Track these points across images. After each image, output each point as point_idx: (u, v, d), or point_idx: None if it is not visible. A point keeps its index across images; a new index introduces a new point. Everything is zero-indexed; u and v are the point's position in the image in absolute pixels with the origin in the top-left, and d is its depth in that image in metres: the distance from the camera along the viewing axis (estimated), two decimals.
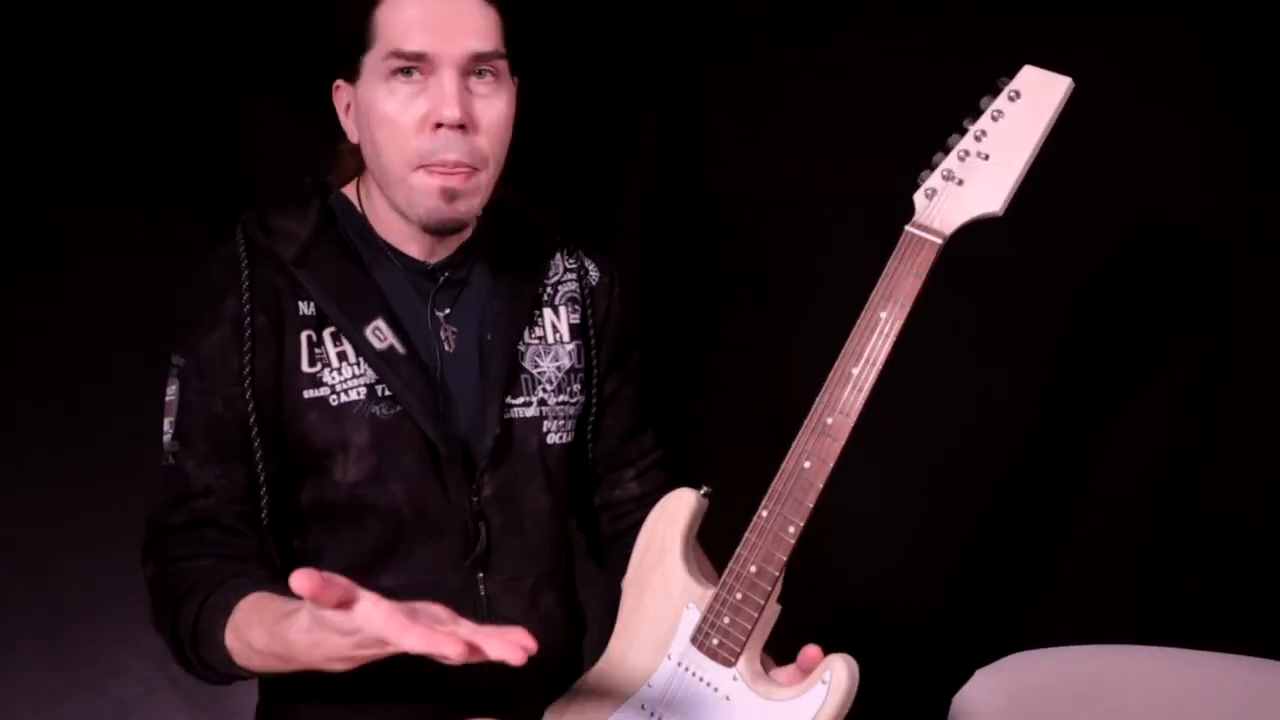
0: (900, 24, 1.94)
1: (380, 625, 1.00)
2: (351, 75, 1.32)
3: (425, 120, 1.28)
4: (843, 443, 1.26)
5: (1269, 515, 1.92)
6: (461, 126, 1.28)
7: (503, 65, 1.32)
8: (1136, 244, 1.97)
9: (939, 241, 1.25)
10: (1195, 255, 1.93)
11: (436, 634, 1.00)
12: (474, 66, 1.29)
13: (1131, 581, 2.00)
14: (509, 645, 1.01)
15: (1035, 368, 2.02)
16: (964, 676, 1.52)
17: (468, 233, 1.40)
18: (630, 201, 2.10)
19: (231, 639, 1.17)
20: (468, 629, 1.04)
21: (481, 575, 1.38)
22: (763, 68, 2.05)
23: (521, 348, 1.41)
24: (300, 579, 0.96)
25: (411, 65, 1.27)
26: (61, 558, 1.98)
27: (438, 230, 1.34)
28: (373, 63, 1.29)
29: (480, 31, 1.29)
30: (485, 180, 1.33)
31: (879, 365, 1.25)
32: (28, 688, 1.99)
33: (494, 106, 1.31)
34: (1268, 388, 1.89)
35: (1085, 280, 1.99)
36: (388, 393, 1.32)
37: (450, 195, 1.30)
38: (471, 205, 1.33)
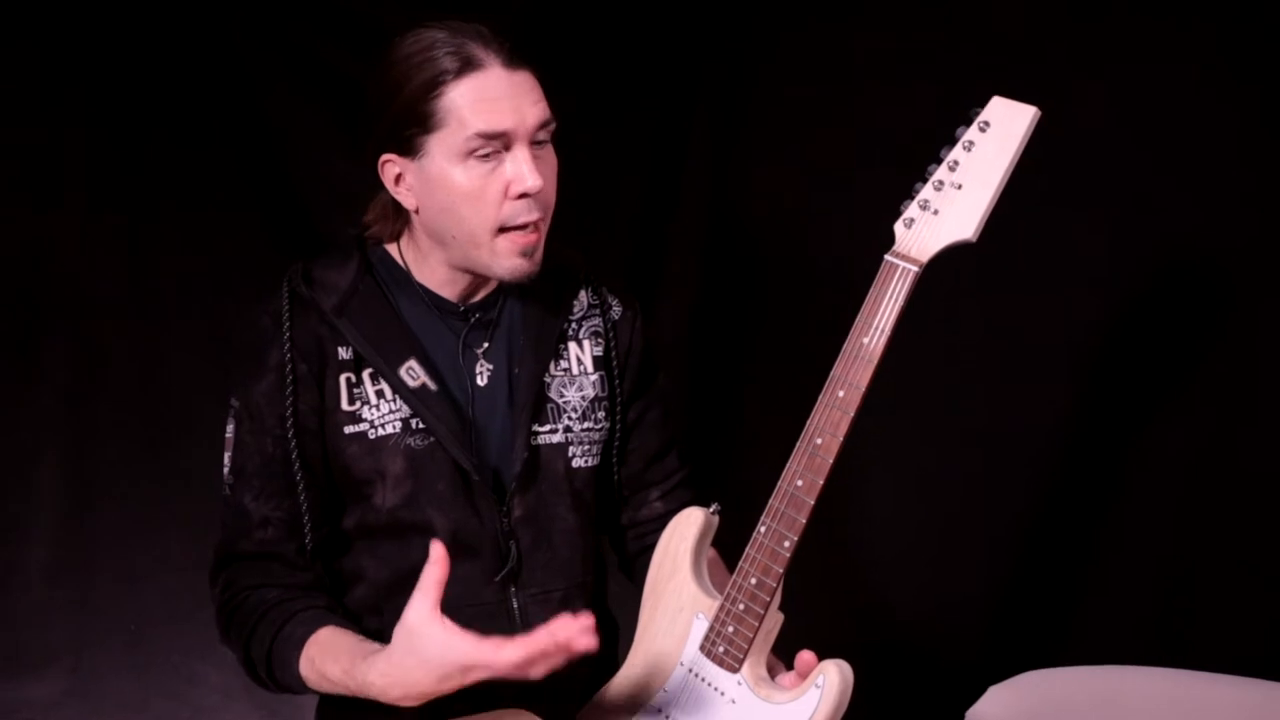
0: (935, 66, 2.03)
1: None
2: (407, 151, 1.42)
3: (507, 191, 1.40)
4: (831, 461, 1.33)
5: None
6: (538, 190, 1.41)
7: (554, 126, 1.44)
8: (1158, 268, 1.99)
9: (915, 269, 1.31)
10: (1217, 277, 1.94)
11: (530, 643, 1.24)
12: (536, 134, 1.42)
13: (1148, 602, 2.01)
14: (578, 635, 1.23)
15: (1053, 388, 2.06)
16: (978, 692, 1.56)
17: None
18: (676, 248, 2.28)
19: (306, 668, 1.35)
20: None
21: (514, 589, 1.50)
22: (803, 113, 2.17)
23: (548, 379, 1.54)
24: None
25: (492, 145, 1.38)
26: (146, 573, 2.22)
27: (517, 283, 1.46)
28: (444, 144, 1.39)
29: (538, 101, 1.42)
30: (546, 229, 1.46)
31: (863, 389, 1.32)
32: (113, 693, 2.23)
33: (551, 164, 1.46)
34: None
35: (1108, 302, 2.02)
36: (421, 426, 1.46)
37: (529, 253, 1.44)
38: (540, 257, 1.46)
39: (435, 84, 1.38)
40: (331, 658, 1.34)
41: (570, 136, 1.50)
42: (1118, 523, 2.04)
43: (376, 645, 1.32)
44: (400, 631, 1.25)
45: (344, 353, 1.46)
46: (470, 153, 1.39)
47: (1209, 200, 1.91)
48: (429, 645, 1.24)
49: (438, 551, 1.25)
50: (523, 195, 1.40)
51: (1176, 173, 1.93)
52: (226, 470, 1.47)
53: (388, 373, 1.46)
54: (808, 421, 1.34)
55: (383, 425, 1.46)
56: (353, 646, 1.34)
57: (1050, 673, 1.60)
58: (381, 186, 1.47)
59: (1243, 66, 1.86)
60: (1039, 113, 1.29)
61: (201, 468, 2.10)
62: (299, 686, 1.39)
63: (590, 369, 1.57)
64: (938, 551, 2.16)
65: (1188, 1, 1.89)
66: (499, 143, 1.39)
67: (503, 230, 1.42)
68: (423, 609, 1.23)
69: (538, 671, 1.25)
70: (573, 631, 1.23)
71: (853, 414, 1.33)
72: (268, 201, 2.17)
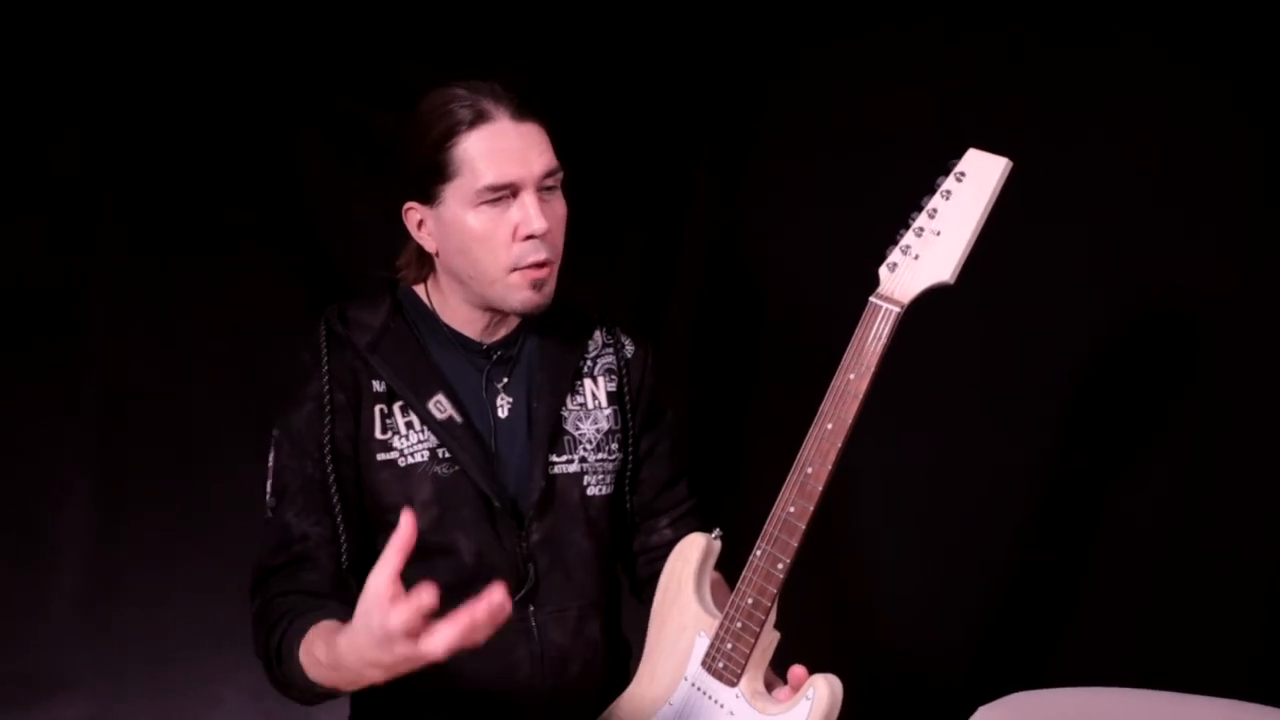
0: (921, 120, 2.14)
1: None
2: (426, 199, 1.56)
3: (515, 234, 1.53)
4: (821, 489, 1.43)
5: (1265, 568, 1.99)
6: (544, 233, 1.53)
7: (560, 174, 1.57)
8: (1140, 314, 2.09)
9: (898, 310, 1.40)
10: (1194, 322, 2.04)
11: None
12: (544, 182, 1.55)
13: (1132, 625, 2.08)
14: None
15: (1042, 419, 2.15)
16: (968, 712, 1.61)
17: (518, 318, 1.65)
18: (680, 290, 2.44)
19: (303, 655, 1.41)
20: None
21: (533, 608, 1.61)
22: (798, 166, 2.31)
23: (565, 413, 1.65)
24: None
25: (502, 194, 1.52)
26: (169, 600, 2.32)
27: (529, 316, 1.59)
28: (458, 192, 1.52)
29: (545, 151, 1.55)
30: (557, 267, 1.59)
31: (849, 422, 1.42)
32: (136, 716, 2.32)
33: (558, 209, 1.58)
34: (1264, 446, 1.98)
35: (1095, 331, 2.11)
36: (447, 455, 1.58)
37: (539, 286, 1.56)
38: (552, 290, 1.58)
39: (450, 134, 1.52)
40: (321, 638, 1.38)
41: (578, 187, 1.62)
42: (1104, 549, 2.11)
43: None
44: (360, 597, 1.27)
45: (377, 386, 1.59)
46: (481, 199, 1.52)
47: (1191, 231, 2.02)
48: (367, 604, 1.24)
49: (407, 519, 1.24)
50: (530, 237, 1.52)
51: (1158, 211, 2.03)
52: (269, 495, 1.58)
53: (417, 405, 1.58)
54: (799, 452, 1.44)
55: (412, 454, 1.58)
56: (338, 626, 1.35)
57: (1037, 694, 1.64)
58: (408, 232, 1.61)
59: (1224, 104, 1.96)
60: (1010, 164, 1.39)
61: (224, 500, 2.28)
62: (302, 680, 1.41)
63: (604, 403, 1.68)
64: (929, 576, 2.24)
65: (1167, 40, 1.99)
66: (508, 190, 1.52)
67: (513, 270, 1.54)
68: (379, 573, 1.23)
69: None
70: (484, 608, 1.24)
71: (840, 445, 1.42)
72: (292, 245, 2.32)
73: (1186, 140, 1.99)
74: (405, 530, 1.25)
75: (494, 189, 1.51)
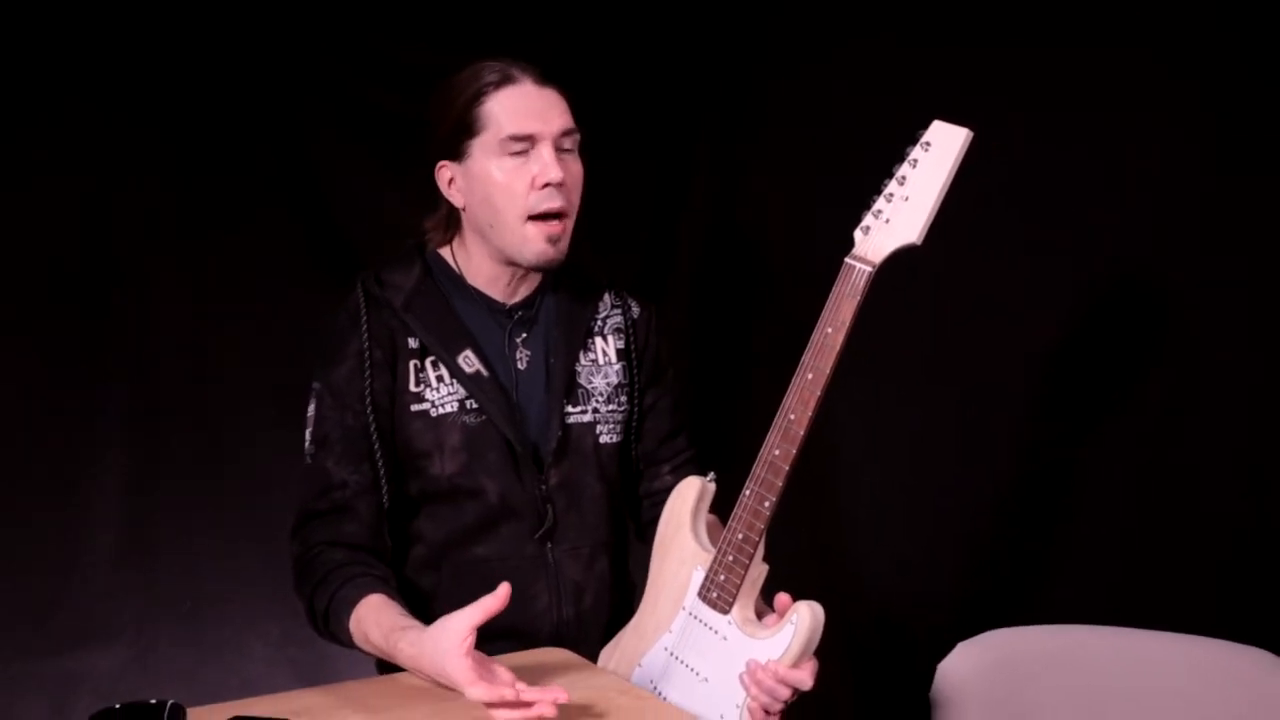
0: (899, 104, 2.23)
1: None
2: (456, 156, 1.73)
3: (534, 182, 1.69)
4: (803, 433, 1.55)
5: (1224, 519, 2.11)
6: (560, 183, 1.69)
7: (578, 136, 1.73)
8: (1115, 278, 2.21)
9: (870, 269, 1.52)
10: (1167, 286, 2.17)
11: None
12: (562, 141, 1.71)
13: (1103, 568, 2.19)
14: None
15: (1023, 371, 2.27)
16: (948, 648, 1.73)
17: (536, 279, 1.81)
18: (681, 257, 2.63)
19: (354, 628, 1.60)
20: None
21: (550, 546, 1.76)
22: (785, 147, 2.48)
23: (578, 368, 1.80)
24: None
25: (522, 145, 1.69)
26: (200, 555, 2.47)
27: (543, 269, 1.74)
28: (484, 144, 1.70)
29: (564, 113, 1.73)
30: (571, 225, 1.74)
31: (827, 372, 1.54)
32: (171, 664, 2.46)
33: (575, 167, 1.75)
34: (1228, 404, 2.11)
35: (1075, 292, 2.23)
36: (474, 406, 1.73)
37: (554, 240, 1.72)
38: (564, 247, 1.74)
39: (479, 95, 1.70)
40: (373, 623, 1.57)
41: (590, 165, 1.77)
42: (1077, 499, 2.24)
43: (411, 622, 1.55)
44: (440, 622, 1.47)
45: (412, 342, 1.74)
46: (505, 150, 1.68)
47: (1168, 224, 2.16)
48: (442, 642, 1.44)
49: (504, 590, 1.43)
50: (546, 185, 1.68)
51: (1136, 195, 2.17)
52: (308, 443, 1.73)
53: (448, 360, 1.73)
54: (782, 401, 1.57)
55: (442, 405, 1.73)
56: (393, 619, 1.56)
57: (1013, 631, 1.74)
58: (437, 202, 1.78)
59: (1189, 99, 2.09)
60: (971, 133, 1.49)
61: (250, 466, 2.44)
62: (348, 641, 1.63)
63: (614, 359, 1.84)
64: (913, 522, 2.37)
65: (1136, 40, 2.12)
66: (528, 143, 1.68)
67: (531, 219, 1.69)
68: (466, 618, 1.43)
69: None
70: (538, 702, 1.39)
71: (819, 393, 1.54)
72: (310, 222, 2.50)
73: (1157, 128, 2.12)
74: (500, 596, 1.42)
75: (516, 139, 1.68)
